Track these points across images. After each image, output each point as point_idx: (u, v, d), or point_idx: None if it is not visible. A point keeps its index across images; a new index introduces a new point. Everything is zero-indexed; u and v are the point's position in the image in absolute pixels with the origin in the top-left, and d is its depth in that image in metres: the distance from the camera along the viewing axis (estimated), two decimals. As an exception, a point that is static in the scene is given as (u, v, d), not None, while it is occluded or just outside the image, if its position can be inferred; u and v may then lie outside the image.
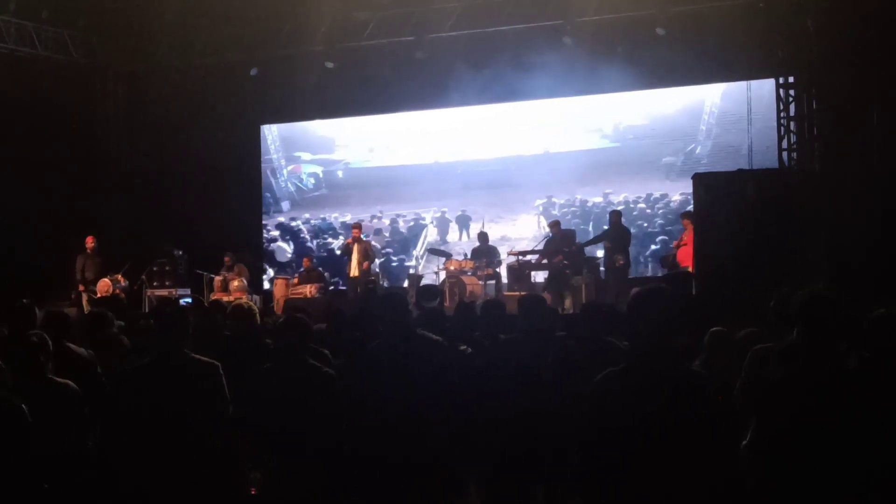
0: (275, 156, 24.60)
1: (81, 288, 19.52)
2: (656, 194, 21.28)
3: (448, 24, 20.51)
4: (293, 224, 24.08)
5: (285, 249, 23.67)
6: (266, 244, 24.18)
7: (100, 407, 6.72)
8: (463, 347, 7.47)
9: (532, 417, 6.69)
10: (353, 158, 24.14)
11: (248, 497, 6.74)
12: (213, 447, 6.35)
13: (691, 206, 15.83)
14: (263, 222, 24.25)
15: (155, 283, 20.48)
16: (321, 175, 24.40)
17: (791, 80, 18.54)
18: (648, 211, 21.27)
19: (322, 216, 24.22)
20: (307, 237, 23.89)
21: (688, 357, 7.28)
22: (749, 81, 19.95)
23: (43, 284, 18.46)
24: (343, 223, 22.80)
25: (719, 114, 20.86)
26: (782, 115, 18.54)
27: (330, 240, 23.36)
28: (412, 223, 22.96)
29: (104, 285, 18.95)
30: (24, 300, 8.41)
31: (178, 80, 22.62)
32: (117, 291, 18.71)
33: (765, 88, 19.52)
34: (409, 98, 22.19)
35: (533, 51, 20.18)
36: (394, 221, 23.09)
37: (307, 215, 24.34)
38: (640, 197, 21.53)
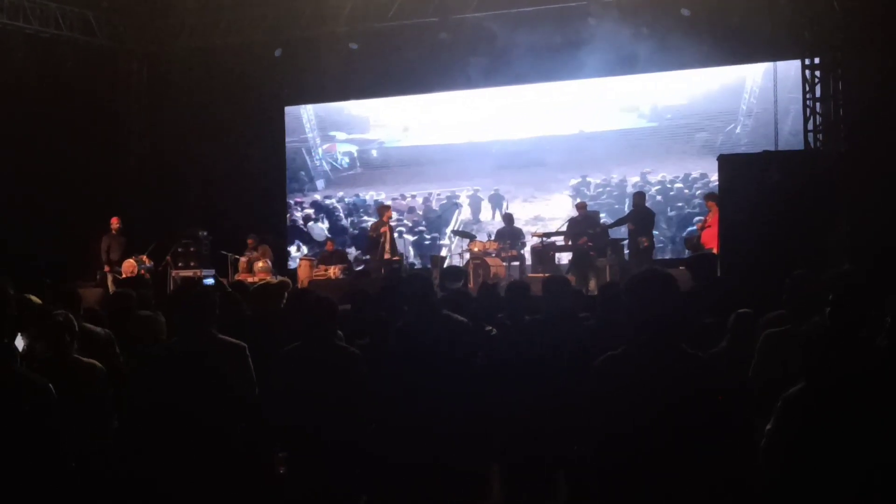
0: (310, 135, 24.64)
1: (107, 269, 19.61)
2: (695, 174, 21.02)
3: (471, 5, 20.45)
4: (328, 202, 24.08)
5: (322, 228, 23.69)
6: (301, 222, 24.24)
7: (117, 387, 6.74)
8: (488, 329, 7.47)
9: (554, 400, 6.66)
10: (387, 138, 24.16)
11: (276, 477, 6.76)
12: (239, 428, 6.37)
13: (716, 187, 15.77)
14: (299, 200, 24.32)
15: (179, 264, 20.53)
16: (356, 154, 24.44)
17: (817, 61, 18.44)
18: (686, 191, 21.08)
19: (356, 194, 24.28)
20: (342, 215, 23.90)
21: (713, 338, 7.26)
22: (776, 63, 19.83)
23: (67, 266, 18.56)
24: (377, 201, 22.70)
25: (760, 93, 20.62)
26: (808, 96, 18.44)
27: (364, 217, 23.31)
28: (445, 201, 22.91)
29: (129, 266, 19.01)
30: (48, 281, 8.46)
31: (201, 61, 22.62)
32: (142, 272, 18.79)
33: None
34: (432, 79, 22.18)
35: (556, 32, 20.14)
36: (427, 200, 23.06)
37: (341, 193, 24.39)
38: (677, 177, 21.36)
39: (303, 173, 24.71)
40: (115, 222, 20.05)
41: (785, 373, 5.34)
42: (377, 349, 6.97)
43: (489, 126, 22.94)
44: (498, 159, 22.48)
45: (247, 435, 6.40)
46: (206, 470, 6.18)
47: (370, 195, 23.93)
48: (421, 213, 22.98)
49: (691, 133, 21.16)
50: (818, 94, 18.34)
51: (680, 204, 21.04)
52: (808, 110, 18.43)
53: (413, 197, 23.24)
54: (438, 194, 22.56)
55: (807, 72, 18.45)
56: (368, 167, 24.36)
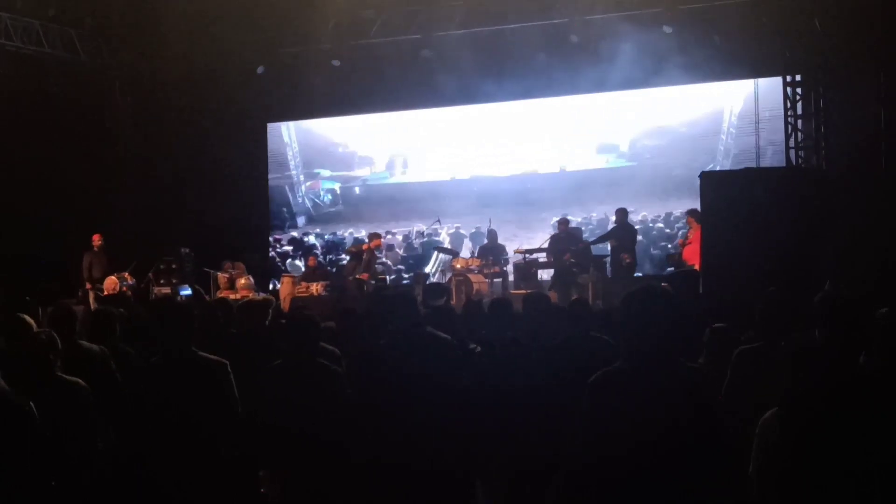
0: (294, 171, 24.80)
1: (88, 286, 19.54)
2: (676, 213, 21.03)
3: (454, 23, 20.48)
4: (306, 239, 24.14)
5: (300, 266, 23.67)
6: (279, 260, 24.24)
7: (112, 404, 6.71)
8: (472, 346, 7.46)
9: (545, 418, 6.63)
10: (371, 175, 24.36)
11: (258, 496, 6.74)
12: (223, 446, 6.35)
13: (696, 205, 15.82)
14: (278, 237, 24.29)
15: (162, 281, 20.47)
16: (338, 191, 24.66)
17: (798, 78, 18.52)
18: (668, 231, 21.17)
19: (334, 231, 24.46)
20: (319, 252, 23.81)
21: (693, 355, 7.27)
22: (757, 87, 19.94)
23: (50, 282, 18.48)
24: (357, 238, 22.68)
25: (737, 133, 20.85)
26: (790, 113, 18.51)
27: (343, 256, 23.25)
28: (426, 239, 22.89)
29: (111, 283, 18.95)
30: (27, 298, 8.43)
31: (184, 79, 22.59)
32: (124, 289, 18.77)
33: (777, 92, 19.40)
34: (415, 96, 22.22)
35: (539, 49, 20.20)
36: (407, 238, 23.03)
37: (318, 230, 24.56)
38: (658, 216, 21.52)
39: (284, 210, 24.86)
40: (96, 239, 19.98)
41: (757, 390, 5.35)
42: (361, 366, 6.96)
43: (472, 163, 23.30)
44: (481, 196, 22.52)
45: (230, 452, 6.38)
46: (190, 487, 6.17)
47: (349, 233, 24.03)
48: (401, 251, 22.93)
49: (671, 172, 21.15)
50: (799, 111, 18.41)
51: (663, 243, 21.10)
52: (789, 127, 18.49)
53: (393, 235, 23.18)
54: (422, 231, 22.43)
55: (788, 89, 18.52)
56: (350, 204, 24.52)
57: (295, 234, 24.57)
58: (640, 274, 19.06)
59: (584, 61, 19.67)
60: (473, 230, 22.62)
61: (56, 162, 20.75)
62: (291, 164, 24.80)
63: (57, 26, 21.43)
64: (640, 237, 19.18)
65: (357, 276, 19.30)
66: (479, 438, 6.68)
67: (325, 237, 24.33)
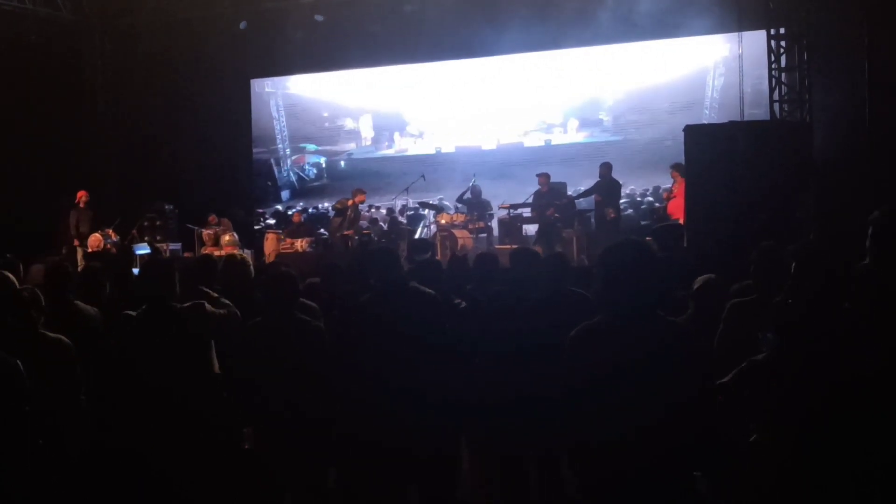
0: (280, 146, 24.80)
1: (76, 243, 19.51)
2: (665, 186, 20.54)
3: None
4: (290, 213, 24.03)
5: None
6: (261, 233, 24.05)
7: (100, 365, 6.71)
8: (457, 301, 7.45)
9: (528, 372, 6.60)
10: (356, 150, 24.33)
11: (242, 452, 6.75)
12: (205, 402, 6.37)
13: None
14: (261, 211, 24.13)
15: (146, 238, 20.43)
16: (324, 165, 24.66)
17: (782, 31, 18.45)
18: (657, 205, 21.04)
19: (317, 206, 24.44)
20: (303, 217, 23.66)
21: (680, 308, 7.27)
22: (741, 39, 19.85)
23: (33, 240, 18.39)
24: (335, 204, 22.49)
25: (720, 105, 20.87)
26: (773, 66, 18.46)
27: (324, 231, 23.18)
28: (411, 213, 22.73)
29: (95, 240, 18.92)
30: (8, 255, 8.36)
31: (166, 34, 22.45)
32: (108, 246, 18.72)
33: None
34: (398, 52, 22.08)
35: (522, 4, 20.14)
36: (391, 210, 22.95)
37: (302, 204, 24.51)
38: (647, 190, 21.44)
39: (269, 183, 24.83)
40: (83, 196, 19.91)
41: (750, 342, 5.36)
42: (343, 322, 6.96)
43: (457, 136, 23.27)
44: (466, 169, 22.23)
45: (213, 408, 6.40)
46: (173, 443, 6.20)
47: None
48: (384, 225, 22.82)
49: (657, 146, 21.06)
50: (783, 64, 18.36)
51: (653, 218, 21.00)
52: (773, 80, 18.44)
53: (378, 208, 23.07)
54: (407, 204, 22.33)
55: (772, 42, 18.45)
56: (336, 178, 24.48)
57: (279, 207, 24.45)
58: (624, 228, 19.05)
59: (570, 14, 19.65)
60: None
61: (35, 117, 20.60)
62: (278, 137, 24.75)
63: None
64: (630, 211, 19.12)
65: (343, 233, 19.27)
66: (462, 391, 6.69)
67: (309, 210, 24.24)
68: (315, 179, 24.76)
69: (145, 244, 19.70)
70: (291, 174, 24.88)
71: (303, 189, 24.84)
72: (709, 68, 21.32)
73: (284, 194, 24.85)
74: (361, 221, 20.22)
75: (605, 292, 4.50)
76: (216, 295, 7.31)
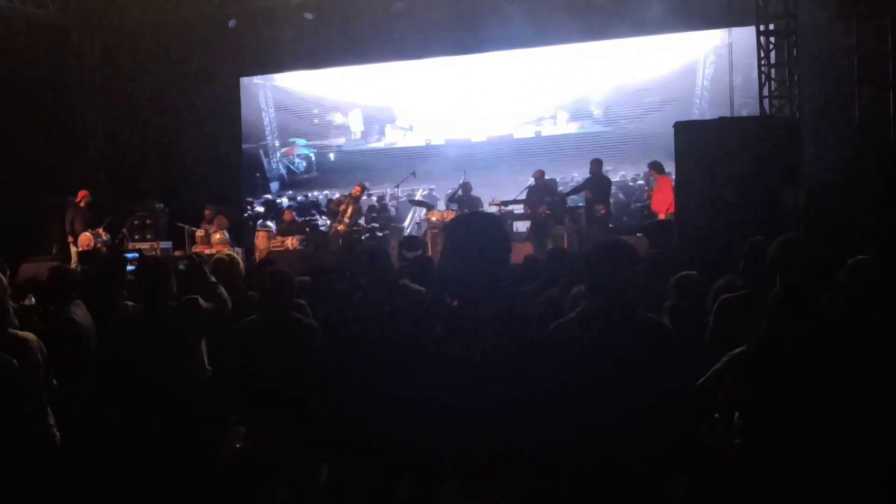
0: (269, 138, 24.80)
1: (70, 239, 19.52)
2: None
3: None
4: (279, 201, 24.05)
5: (271, 227, 23.57)
6: (251, 222, 23.96)
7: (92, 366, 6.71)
8: (449, 299, 7.43)
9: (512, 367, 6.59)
10: (346, 143, 24.32)
11: (232, 451, 6.76)
12: (196, 400, 6.37)
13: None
14: (250, 200, 24.16)
15: (136, 237, 20.42)
16: (313, 158, 24.67)
17: (772, 27, 18.47)
18: (648, 189, 21.11)
19: (306, 194, 24.52)
20: (294, 215, 23.67)
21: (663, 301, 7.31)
22: (731, 35, 19.88)
23: (20, 240, 18.33)
24: (331, 200, 22.51)
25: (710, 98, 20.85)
26: (763, 62, 18.47)
27: (316, 216, 23.21)
28: (403, 199, 22.72)
29: (86, 239, 18.91)
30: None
31: (155, 33, 22.42)
32: (98, 245, 18.72)
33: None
34: (388, 49, 22.00)
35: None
36: (381, 199, 22.92)
37: (291, 192, 24.63)
38: (638, 174, 21.41)
39: (258, 175, 24.80)
40: (84, 195, 19.92)
41: (741, 337, 5.38)
42: (334, 321, 6.96)
43: (448, 128, 23.29)
44: (456, 161, 22.30)
45: (203, 406, 6.41)
46: (162, 442, 6.20)
47: (324, 194, 24.03)
48: (375, 214, 22.83)
49: (647, 135, 21.02)
50: (773, 59, 18.37)
51: (639, 204, 21.00)
52: (763, 76, 18.45)
53: (368, 196, 23.06)
54: (396, 194, 22.31)
55: (762, 38, 18.46)
56: (325, 171, 24.53)
57: (269, 196, 24.44)
58: (614, 225, 19.08)
59: (560, 10, 19.67)
60: (449, 192, 22.50)
61: (26, 119, 20.55)
62: (267, 130, 24.72)
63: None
64: (621, 195, 19.13)
65: (336, 228, 19.27)
66: (450, 390, 6.68)
67: (298, 198, 24.23)
68: (304, 172, 24.76)
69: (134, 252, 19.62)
70: (280, 166, 24.88)
71: (292, 181, 24.84)
72: (699, 60, 21.33)
73: (273, 186, 24.84)
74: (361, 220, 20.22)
75: (587, 289, 4.55)
76: (214, 279, 7.30)
